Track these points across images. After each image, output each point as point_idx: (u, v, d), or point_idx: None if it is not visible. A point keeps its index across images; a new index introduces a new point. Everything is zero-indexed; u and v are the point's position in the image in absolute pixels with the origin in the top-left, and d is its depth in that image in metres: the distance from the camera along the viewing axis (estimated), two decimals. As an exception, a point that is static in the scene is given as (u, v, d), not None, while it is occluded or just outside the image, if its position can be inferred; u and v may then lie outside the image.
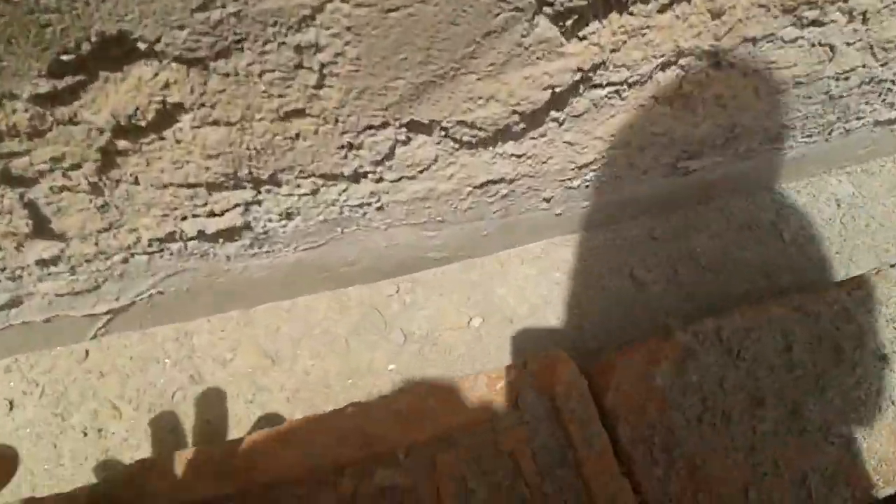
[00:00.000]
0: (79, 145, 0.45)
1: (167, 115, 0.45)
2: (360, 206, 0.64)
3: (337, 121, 0.50)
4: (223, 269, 0.68)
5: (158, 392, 0.75)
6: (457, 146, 0.59)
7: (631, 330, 0.83)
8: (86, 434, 0.71)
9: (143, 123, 0.45)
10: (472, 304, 0.83)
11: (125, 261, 0.61)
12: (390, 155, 0.57)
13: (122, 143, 0.46)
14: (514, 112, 0.54)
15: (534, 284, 0.85)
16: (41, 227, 0.53)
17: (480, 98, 0.52)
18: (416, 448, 0.64)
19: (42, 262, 0.57)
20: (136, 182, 0.51)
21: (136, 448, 0.71)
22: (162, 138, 0.47)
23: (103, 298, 0.67)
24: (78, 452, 0.71)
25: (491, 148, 0.61)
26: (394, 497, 0.62)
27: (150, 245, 0.59)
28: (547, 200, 0.74)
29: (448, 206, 0.68)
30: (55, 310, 0.66)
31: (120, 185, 0.51)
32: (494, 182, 0.66)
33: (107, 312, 0.69)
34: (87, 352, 0.75)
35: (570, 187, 0.72)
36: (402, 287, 0.83)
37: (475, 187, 0.66)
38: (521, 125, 0.57)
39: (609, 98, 0.59)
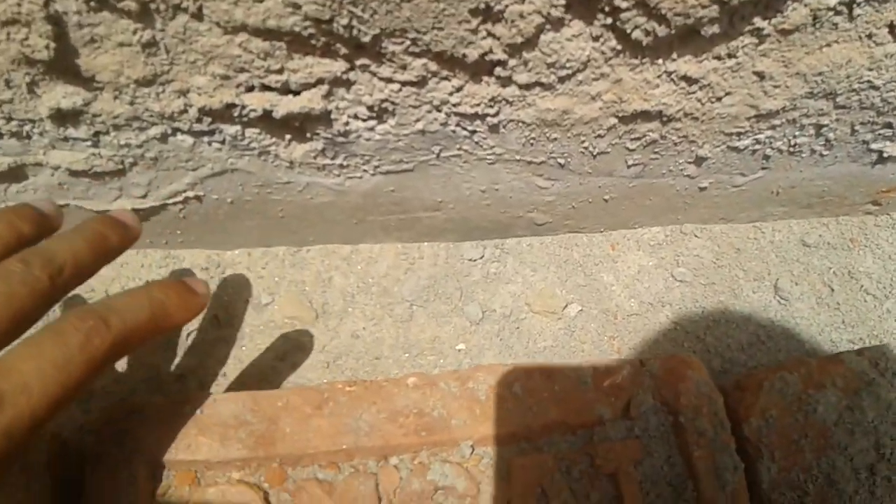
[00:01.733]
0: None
1: None
2: (473, 118, 0.51)
3: (483, -37, 0.37)
4: (281, 180, 0.56)
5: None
6: (619, 48, 0.46)
7: (767, 352, 0.69)
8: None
9: None
10: (569, 287, 0.70)
11: (164, 138, 0.49)
12: (532, 41, 0.44)
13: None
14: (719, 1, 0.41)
15: (649, 278, 0.71)
16: (65, 61, 0.42)
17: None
18: (489, 444, 0.50)
19: (59, 117, 0.46)
20: (200, 14, 0.40)
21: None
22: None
23: (128, 192, 0.55)
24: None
25: (661, 60, 0.48)
26: (450, 502, 0.48)
27: (199, 120, 0.48)
28: (697, 163, 0.61)
29: (578, 143, 0.56)
30: (65, 195, 0.55)
31: (178, 15, 0.40)
32: (648, 117, 0.53)
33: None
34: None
35: (734, 147, 0.59)
36: (489, 253, 0.71)
37: (621, 120, 0.53)
38: (716, 26, 0.44)
39: (837, 15, 0.45)
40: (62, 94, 0.45)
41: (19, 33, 0.39)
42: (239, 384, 0.60)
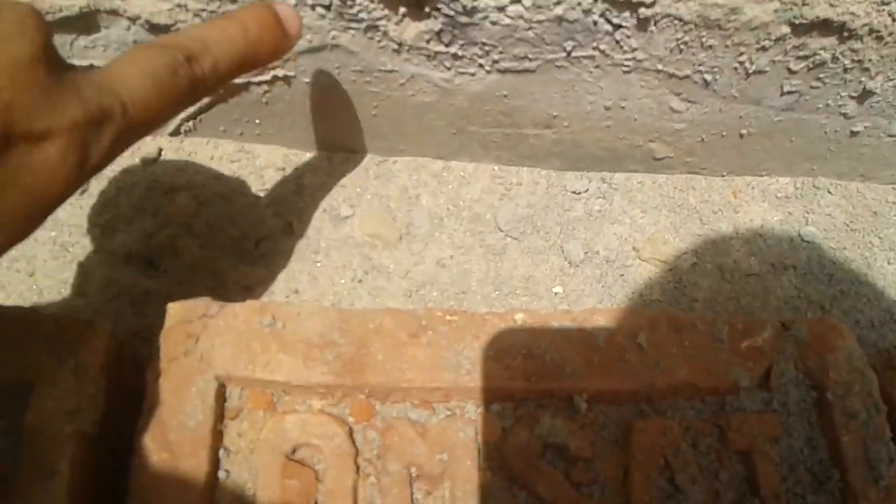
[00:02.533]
0: None
1: None
2: (624, 6, 0.43)
3: None
4: (384, 66, 0.49)
5: (237, 234, 0.55)
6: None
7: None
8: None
9: None
10: (683, 235, 0.62)
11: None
12: None
13: None
14: None
15: (773, 234, 0.63)
16: None
17: None
18: (606, 400, 0.43)
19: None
20: None
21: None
22: None
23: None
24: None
25: (868, -50, 0.39)
26: (558, 462, 0.41)
27: (307, -26, 0.40)
28: (860, 99, 0.52)
29: (735, 55, 0.47)
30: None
31: None
32: (826, 29, 0.45)
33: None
34: (159, 150, 0.57)
35: (912, 81, 0.49)
36: (594, 187, 0.63)
37: (795, 29, 0.45)
38: None
39: None
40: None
41: None
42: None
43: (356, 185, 0.60)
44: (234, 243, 0.56)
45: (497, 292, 0.59)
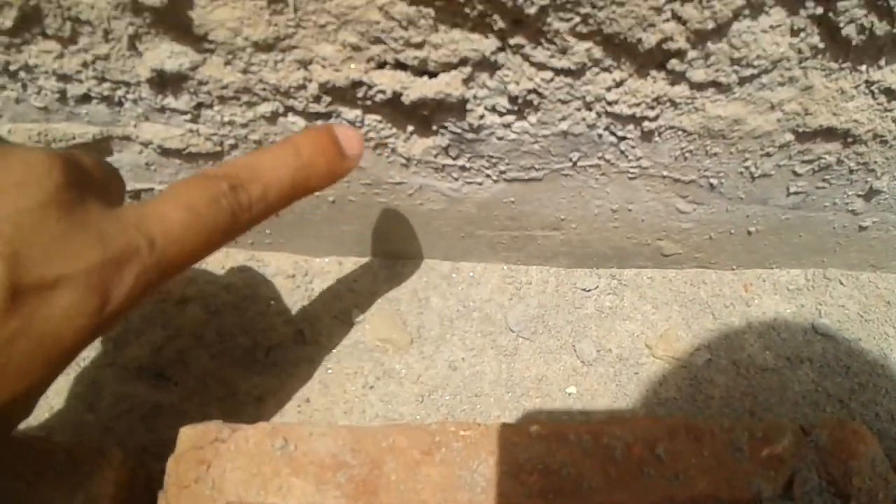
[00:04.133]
0: None
1: None
2: (627, 121, 0.44)
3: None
4: (393, 179, 0.50)
5: (248, 344, 0.56)
6: (820, 46, 0.39)
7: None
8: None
9: None
10: (696, 331, 0.61)
11: (273, 118, 0.43)
12: (723, 29, 0.37)
13: None
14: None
15: (787, 328, 0.62)
16: (177, 12, 0.36)
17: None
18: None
19: (160, 82, 0.40)
20: (341, -33, 0.33)
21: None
22: None
23: (220, 180, 0.49)
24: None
25: (865, 67, 0.41)
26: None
27: (317, 99, 0.41)
28: (867, 197, 0.53)
29: (740, 161, 0.48)
30: (150, 177, 0.49)
31: (316, -34, 0.33)
32: (830, 136, 0.46)
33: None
34: (173, 261, 0.57)
35: (917, 180, 0.50)
36: (604, 284, 0.63)
37: (799, 137, 0.46)
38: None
39: None
40: (167, 54, 0.39)
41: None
42: (324, 413, 0.53)
43: (366, 290, 0.60)
44: (245, 353, 0.56)
45: (510, 394, 0.59)
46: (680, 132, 0.46)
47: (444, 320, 0.60)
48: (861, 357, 0.63)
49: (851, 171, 0.50)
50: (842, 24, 0.38)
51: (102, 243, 0.29)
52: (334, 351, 0.58)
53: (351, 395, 0.56)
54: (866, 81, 0.43)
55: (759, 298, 0.64)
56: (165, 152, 0.47)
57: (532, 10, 0.36)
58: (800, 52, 0.40)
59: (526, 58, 0.40)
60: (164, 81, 0.41)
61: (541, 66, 0.41)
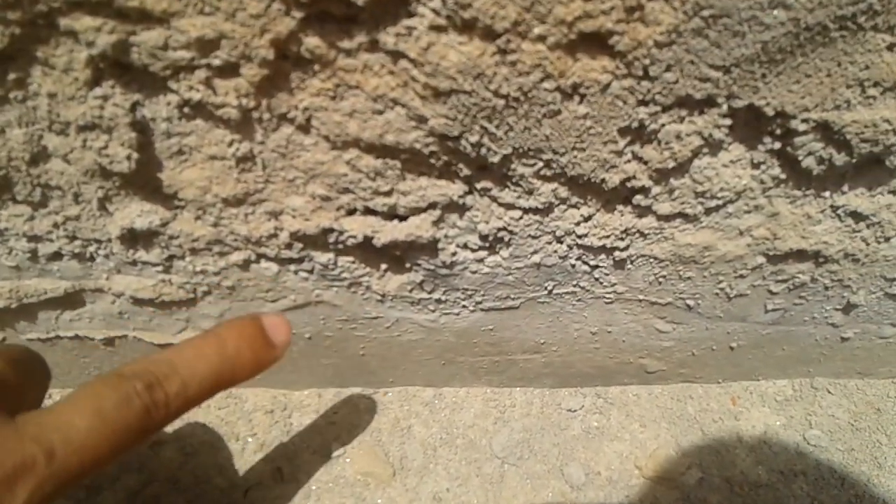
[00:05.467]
0: (248, 25, 0.29)
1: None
2: (598, 251, 0.44)
3: (646, 74, 0.32)
4: (369, 314, 0.50)
5: (225, 485, 0.54)
6: (782, 177, 0.40)
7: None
8: None
9: (359, 0, 0.28)
10: (685, 448, 0.60)
11: (246, 265, 0.43)
12: (684, 167, 0.38)
13: (310, 39, 0.30)
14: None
15: (778, 440, 0.62)
16: (145, 175, 0.37)
17: (879, 85, 0.33)
18: None
19: (131, 238, 0.41)
20: (307, 126, 0.35)
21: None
22: (374, 43, 0.30)
23: (195, 324, 0.49)
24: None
25: (828, 193, 0.42)
26: None
27: (289, 246, 0.42)
28: (846, 310, 0.53)
29: (715, 283, 0.48)
30: (124, 325, 0.49)
31: (282, 126, 0.35)
32: (801, 257, 0.46)
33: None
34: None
35: (892, 294, 0.51)
36: (589, 403, 0.62)
37: (770, 259, 0.46)
38: (905, 156, 0.38)
39: None
40: (137, 213, 0.39)
41: (98, 140, 0.34)
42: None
43: (346, 422, 0.59)
44: (221, 494, 0.54)
45: (498, 525, 0.57)
46: (652, 259, 0.47)
47: (427, 449, 0.59)
48: (855, 467, 0.63)
49: (827, 288, 0.51)
50: (800, 157, 0.39)
51: None
52: (314, 488, 0.56)
53: (333, 536, 0.54)
54: (831, 206, 0.43)
55: (747, 411, 0.64)
56: (138, 301, 0.47)
57: (496, 159, 0.37)
58: (762, 182, 0.41)
59: (494, 199, 0.41)
60: (135, 237, 0.42)
61: (509, 206, 0.42)
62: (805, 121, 0.36)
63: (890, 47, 0.33)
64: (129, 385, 0.32)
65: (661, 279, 0.49)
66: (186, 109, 0.34)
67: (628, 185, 0.40)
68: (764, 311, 0.53)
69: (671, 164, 0.39)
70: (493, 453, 0.59)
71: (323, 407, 0.60)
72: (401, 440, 0.59)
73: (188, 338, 0.38)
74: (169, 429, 0.56)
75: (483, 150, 0.37)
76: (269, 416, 0.58)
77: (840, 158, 0.39)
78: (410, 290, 0.48)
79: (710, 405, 0.64)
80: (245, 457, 0.56)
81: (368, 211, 0.41)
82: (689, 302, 0.51)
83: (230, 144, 0.36)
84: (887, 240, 0.46)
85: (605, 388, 0.64)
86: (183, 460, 0.55)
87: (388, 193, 0.40)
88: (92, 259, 0.43)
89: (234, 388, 0.54)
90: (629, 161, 0.39)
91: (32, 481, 0.28)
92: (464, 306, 0.50)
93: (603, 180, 0.39)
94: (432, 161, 0.38)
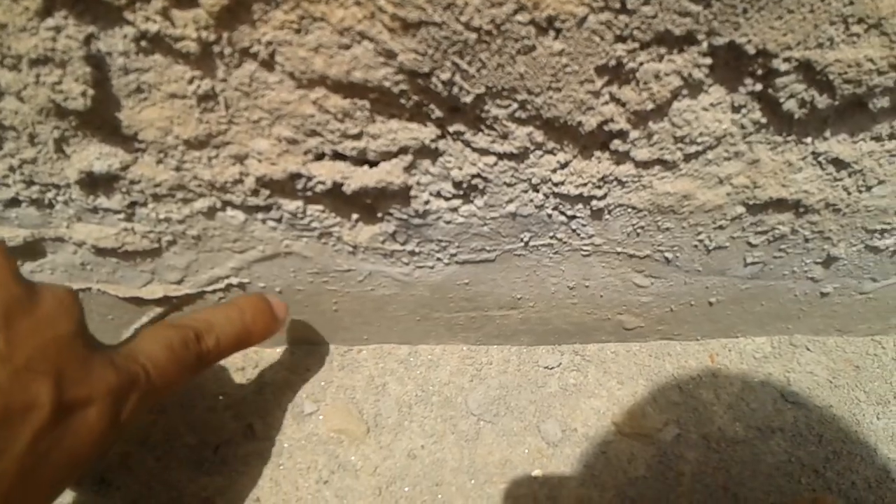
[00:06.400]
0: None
1: None
2: (575, 200, 0.44)
3: (623, 6, 0.31)
4: (341, 267, 0.49)
5: (195, 442, 0.53)
6: (763, 121, 0.39)
7: (904, 493, 0.58)
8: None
9: None
10: (663, 405, 0.60)
11: (211, 213, 0.42)
12: (662, 109, 0.38)
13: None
14: (899, 64, 0.35)
15: (756, 397, 0.62)
16: (103, 114, 0.35)
17: (863, 22, 0.32)
18: None
19: (90, 183, 0.39)
20: (271, 63, 0.33)
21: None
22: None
23: (161, 276, 0.48)
24: None
25: (810, 139, 0.41)
26: None
27: (255, 192, 0.41)
28: (826, 264, 0.53)
29: (693, 235, 0.48)
30: (87, 277, 0.48)
31: (245, 62, 0.33)
32: (782, 207, 0.46)
33: (159, 301, 0.49)
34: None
35: (873, 247, 0.51)
36: (567, 360, 0.62)
37: (750, 209, 0.46)
38: (886, 99, 0.37)
39: None
40: (96, 155, 0.38)
41: (51, 75, 0.33)
42: (275, 513, 0.51)
43: (320, 379, 0.59)
44: (191, 452, 0.54)
45: (473, 481, 0.57)
46: (630, 209, 0.46)
47: (402, 406, 0.58)
48: (833, 424, 0.63)
49: (807, 240, 0.50)
50: (782, 99, 0.38)
51: (116, 370, 0.35)
52: (286, 445, 0.56)
53: (304, 492, 0.54)
54: (813, 153, 0.43)
55: (725, 368, 0.64)
56: (100, 252, 0.45)
57: (468, 99, 0.36)
58: (743, 127, 0.40)
59: (467, 144, 0.40)
60: (95, 182, 0.40)
61: (483, 152, 0.41)
62: (787, 60, 0.35)
63: (877, -20, 0.32)
64: (186, 332, 0.41)
65: (639, 230, 0.48)
66: (144, 43, 0.33)
67: (606, 128, 0.39)
68: (743, 264, 0.53)
69: (650, 106, 0.38)
70: (468, 410, 0.59)
71: (296, 364, 0.59)
72: (375, 398, 0.58)
73: (217, 306, 0.49)
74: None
75: (455, 89, 0.36)
76: (240, 374, 0.57)
77: (822, 101, 0.38)
78: (383, 242, 0.47)
79: (689, 363, 0.64)
80: (216, 414, 0.56)
81: (337, 156, 0.40)
82: (667, 255, 0.51)
83: (191, 82, 0.35)
84: (869, 189, 0.46)
85: (583, 346, 0.63)
86: (152, 419, 0.54)
87: (358, 136, 0.39)
88: (51, 206, 0.42)
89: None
90: (607, 103, 0.38)
91: (139, 391, 0.36)
92: (438, 259, 0.50)
93: (580, 123, 0.38)
94: (402, 101, 0.37)
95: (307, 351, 0.60)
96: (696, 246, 0.50)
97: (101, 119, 0.37)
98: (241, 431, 0.55)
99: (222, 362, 0.58)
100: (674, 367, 0.63)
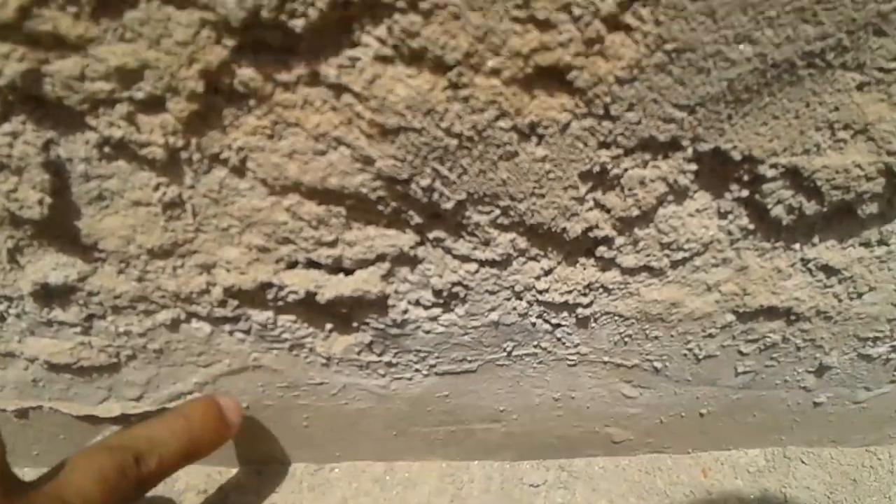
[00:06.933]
0: (174, 53, 0.26)
1: (340, 22, 0.27)
2: (560, 308, 0.42)
3: (607, 113, 0.30)
4: (313, 380, 0.47)
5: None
6: (750, 227, 0.39)
7: None
8: None
9: (297, 28, 0.26)
10: (656, 524, 0.57)
11: (175, 325, 0.40)
12: (648, 215, 0.37)
13: (244, 71, 0.27)
14: (889, 172, 0.34)
15: (752, 513, 0.59)
16: (61, 223, 0.34)
17: (849, 127, 0.32)
18: None
19: (45, 295, 0.37)
20: (242, 169, 0.32)
21: None
22: (315, 75, 0.28)
23: (118, 392, 0.45)
24: None
25: (798, 245, 0.40)
26: None
27: (223, 303, 0.39)
28: (818, 373, 0.51)
29: (683, 343, 0.46)
30: (39, 394, 0.45)
31: (214, 168, 0.32)
32: (772, 315, 0.45)
33: (116, 419, 0.46)
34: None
35: (865, 355, 0.50)
36: (553, 477, 0.59)
37: (740, 317, 0.45)
38: (875, 205, 0.37)
39: None
40: (52, 266, 0.36)
41: (6, 183, 0.32)
42: None
43: (288, 502, 0.55)
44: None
45: None
46: (616, 317, 0.44)
47: (377, 531, 0.54)
48: (835, 543, 0.60)
49: (799, 349, 0.49)
50: (769, 205, 0.38)
51: None
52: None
53: None
54: (802, 259, 0.42)
55: (719, 483, 0.61)
56: (54, 367, 0.43)
57: (449, 205, 0.35)
58: (730, 233, 0.40)
59: (448, 251, 0.39)
60: (50, 294, 0.38)
61: (464, 259, 0.39)
62: (773, 166, 0.35)
63: (860, 87, 0.32)
64: (124, 457, 0.37)
65: (626, 339, 0.46)
66: (107, 149, 0.32)
67: (591, 234, 0.38)
68: (734, 373, 0.51)
69: (635, 213, 0.37)
70: (449, 535, 0.55)
71: (263, 486, 0.55)
72: (348, 522, 0.54)
73: (160, 416, 0.43)
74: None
75: (435, 196, 0.34)
76: (201, 497, 0.54)
77: (810, 207, 0.37)
78: (358, 353, 0.45)
79: (681, 478, 0.61)
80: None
81: (311, 264, 0.39)
82: (656, 364, 0.49)
83: (156, 189, 0.34)
84: (860, 296, 0.45)
85: (570, 461, 0.60)
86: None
87: (333, 244, 0.37)
88: (2, 319, 0.39)
89: (163, 466, 0.50)
90: (591, 209, 0.37)
91: None
92: (416, 370, 0.47)
93: (564, 229, 0.37)
94: (380, 207, 0.35)
95: (275, 470, 0.56)
96: (685, 355, 0.48)
97: (58, 228, 0.35)
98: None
99: (182, 484, 0.54)
100: (665, 483, 0.60)
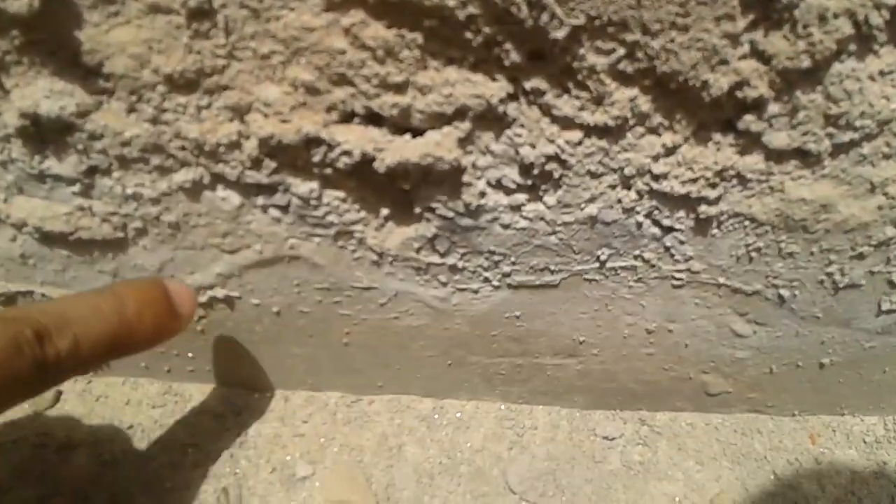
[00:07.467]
0: None
1: None
2: (678, 203, 0.36)
3: None
4: (360, 283, 0.40)
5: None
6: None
7: None
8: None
9: None
10: (754, 494, 0.51)
11: (195, 190, 0.34)
12: (820, 70, 0.29)
13: None
14: None
15: (868, 490, 0.52)
16: (57, 33, 0.28)
17: None
18: None
19: (36, 134, 0.30)
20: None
21: None
22: None
23: (125, 278, 0.38)
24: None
25: None
26: None
27: (257, 163, 0.32)
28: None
29: (822, 265, 0.39)
30: (29, 276, 0.39)
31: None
32: (946, 231, 0.36)
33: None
34: (57, 395, 0.46)
35: None
36: (631, 431, 0.52)
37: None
38: None
39: None
40: (45, 92, 0.29)
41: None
42: None
43: (319, 435, 0.49)
44: (148, 522, 0.43)
45: (510, 582, 0.46)
46: (747, 221, 0.37)
47: (421, 476, 0.48)
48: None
49: (965, 283, 0.41)
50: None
51: None
52: (274, 520, 0.45)
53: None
54: None
55: (830, 453, 0.54)
56: (47, 239, 0.36)
57: (560, 34, 0.28)
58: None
59: (546, 110, 0.31)
60: (43, 133, 0.31)
61: (566, 123, 0.32)
62: None
63: None
64: (18, 330, 0.28)
65: (753, 253, 0.39)
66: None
67: (738, 94, 0.30)
68: (876, 312, 0.44)
69: (805, 64, 0.29)
70: (507, 487, 0.49)
71: (289, 414, 0.49)
72: (388, 463, 0.48)
73: (81, 291, 0.34)
74: (82, 431, 0.45)
75: (545, 17, 0.27)
76: (217, 422, 0.48)
77: None
78: (418, 250, 0.38)
79: (784, 443, 0.53)
80: (182, 473, 0.46)
81: (371, 118, 0.31)
82: (782, 291, 0.41)
83: (180, -13, 0.26)
84: None
85: (652, 414, 0.53)
86: (97, 471, 0.44)
87: (402, 88, 0.30)
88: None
89: (176, 383, 0.44)
90: (745, 56, 0.29)
91: None
92: (486, 279, 0.40)
93: (705, 84, 0.30)
94: (469, 35, 0.28)
95: (305, 398, 0.50)
96: (821, 281, 0.41)
97: (54, 40, 0.28)
98: (212, 497, 0.45)
99: (195, 404, 0.48)
100: (766, 447, 0.53)
